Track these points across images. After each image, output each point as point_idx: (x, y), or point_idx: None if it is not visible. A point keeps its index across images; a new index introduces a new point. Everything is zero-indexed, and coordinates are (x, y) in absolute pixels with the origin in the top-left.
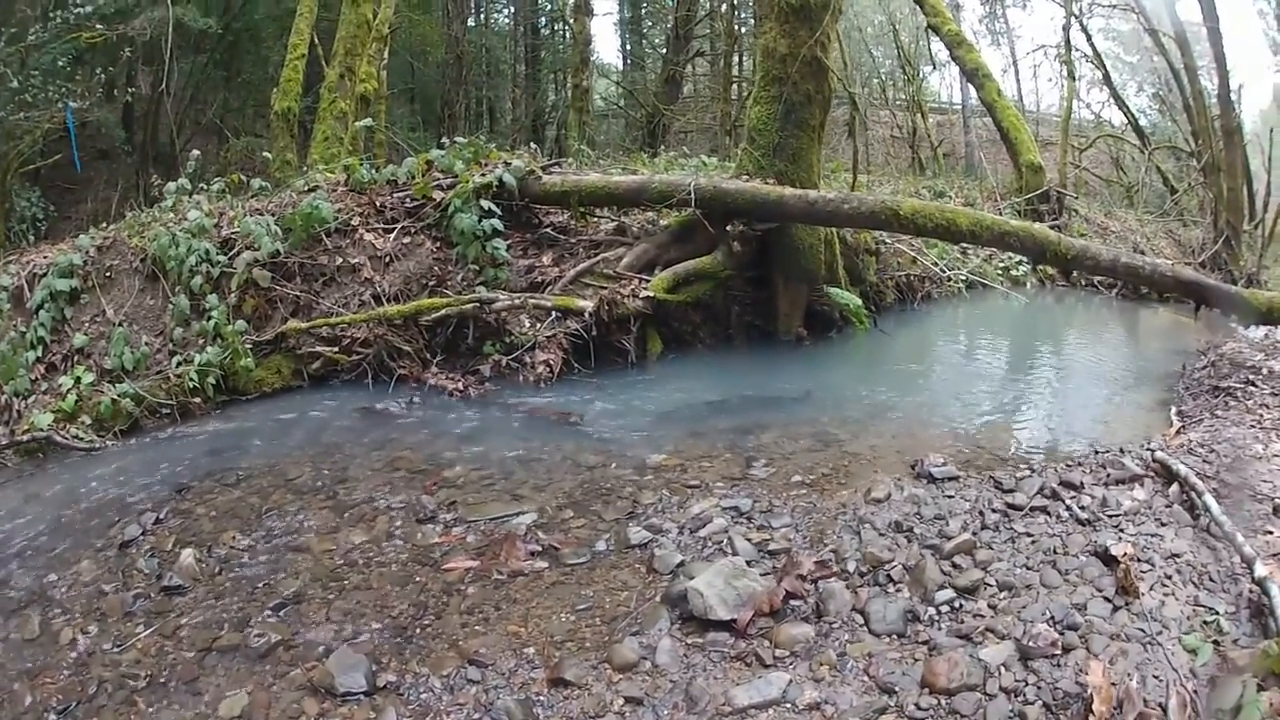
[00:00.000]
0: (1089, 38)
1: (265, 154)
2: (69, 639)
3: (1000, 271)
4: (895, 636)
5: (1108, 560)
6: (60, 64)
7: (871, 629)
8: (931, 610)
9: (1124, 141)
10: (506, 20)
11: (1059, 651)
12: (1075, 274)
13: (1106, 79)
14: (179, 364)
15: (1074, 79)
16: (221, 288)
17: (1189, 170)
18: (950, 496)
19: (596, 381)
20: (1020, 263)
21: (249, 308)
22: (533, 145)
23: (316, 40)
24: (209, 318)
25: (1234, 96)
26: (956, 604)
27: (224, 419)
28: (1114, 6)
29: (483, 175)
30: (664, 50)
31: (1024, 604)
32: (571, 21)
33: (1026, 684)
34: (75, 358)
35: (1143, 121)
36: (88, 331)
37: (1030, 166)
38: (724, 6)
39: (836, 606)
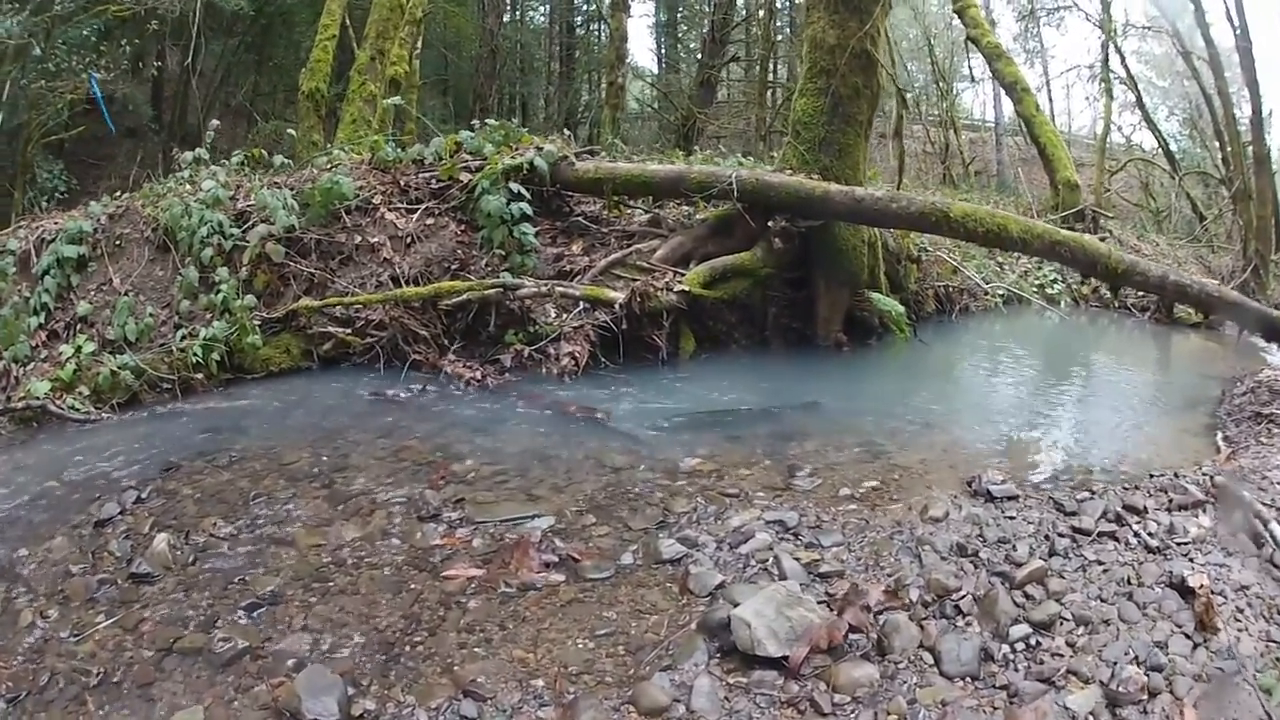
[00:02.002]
0: (1123, 59)
1: (290, 131)
2: (28, 621)
3: (1035, 289)
4: (969, 680)
5: (1184, 592)
6: (88, 36)
7: (943, 670)
8: (1006, 648)
9: (1154, 166)
10: (542, 18)
11: (1145, 696)
12: (1108, 295)
13: (1139, 102)
14: (183, 337)
15: (1111, 96)
16: (233, 261)
17: (1217, 197)
18: (1011, 518)
19: (624, 377)
20: (1055, 280)
21: (260, 283)
22: (566, 131)
23: (349, 24)
24: (218, 291)
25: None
26: (1033, 641)
27: (226, 397)
28: (1148, 29)
29: (513, 158)
30: (699, 54)
31: (1104, 642)
32: (609, 18)
33: None
34: (78, 326)
35: (1172, 147)
36: (93, 300)
37: (1067, 184)
38: (761, 11)
39: (902, 643)
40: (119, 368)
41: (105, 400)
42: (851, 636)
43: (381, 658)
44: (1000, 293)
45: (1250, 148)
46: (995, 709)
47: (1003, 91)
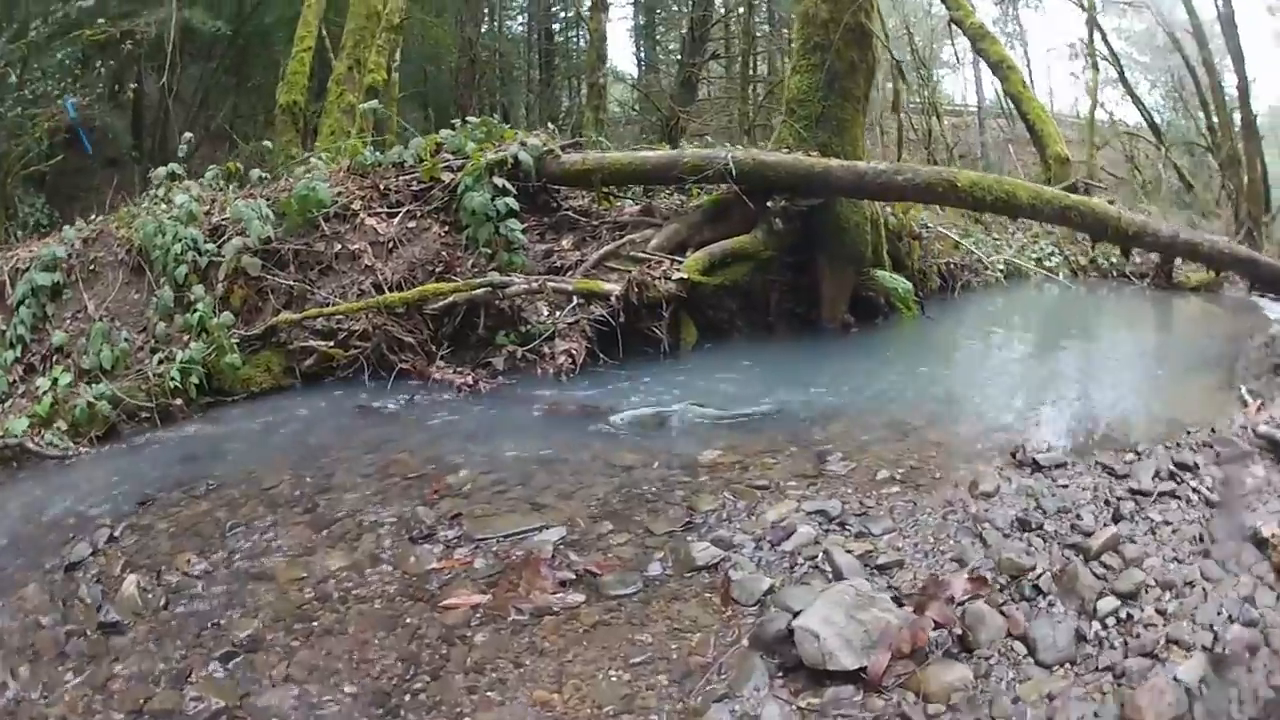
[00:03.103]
0: (1104, 36)
1: (267, 142)
2: (1, 681)
3: (1033, 261)
4: (1068, 665)
5: (1259, 544)
6: (63, 60)
7: (1039, 659)
8: (1097, 626)
9: (1139, 139)
10: (520, 26)
11: (1248, 655)
12: (1105, 265)
13: (1121, 77)
14: (160, 362)
15: (1097, 70)
16: (209, 278)
17: (1204, 166)
18: (1065, 486)
19: (625, 373)
20: (1052, 253)
21: (237, 299)
22: (550, 125)
23: (326, 36)
24: (194, 310)
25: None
26: (1123, 614)
27: (206, 421)
28: (1129, 4)
29: (496, 153)
30: (678, 55)
31: (1194, 604)
32: (588, 19)
33: (1230, 701)
34: (54, 357)
35: (1156, 119)
36: (68, 329)
37: (1058, 158)
38: (740, 8)
39: (989, 635)
40: (95, 398)
41: (83, 434)
42: (933, 635)
43: (378, 711)
44: (1001, 267)
45: (1237, 114)
46: (1105, 694)
47: (984, 75)
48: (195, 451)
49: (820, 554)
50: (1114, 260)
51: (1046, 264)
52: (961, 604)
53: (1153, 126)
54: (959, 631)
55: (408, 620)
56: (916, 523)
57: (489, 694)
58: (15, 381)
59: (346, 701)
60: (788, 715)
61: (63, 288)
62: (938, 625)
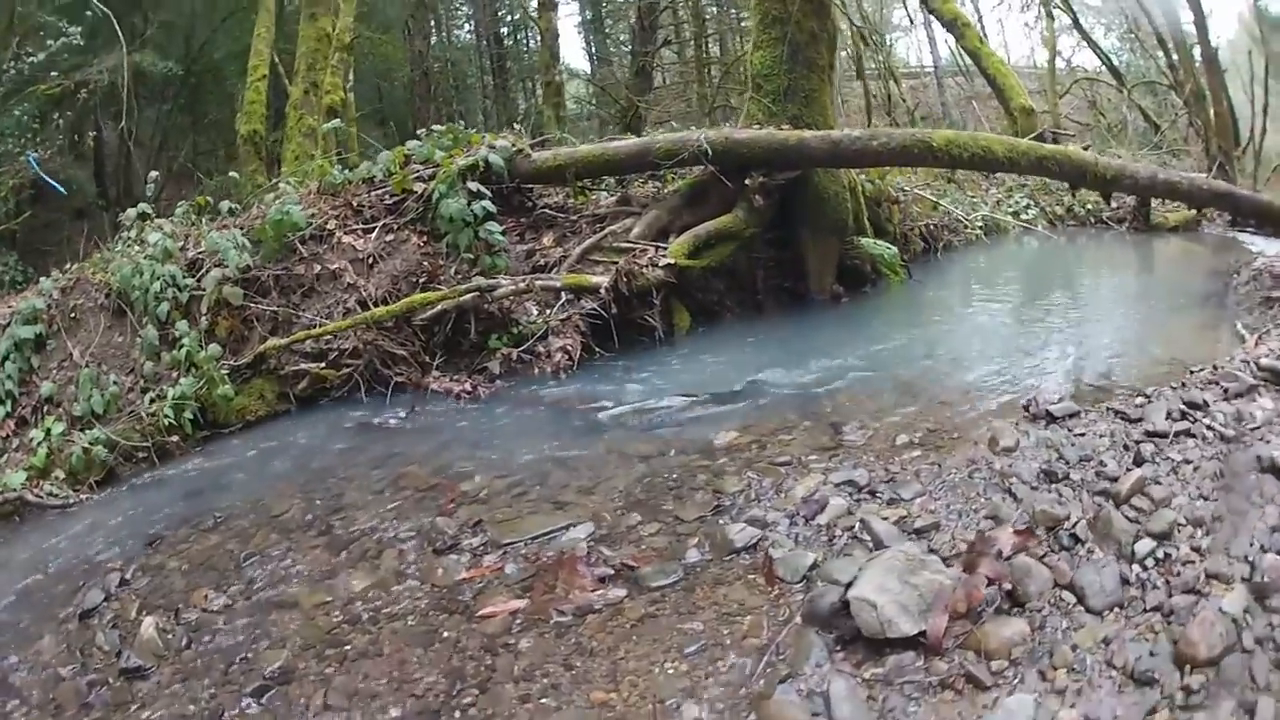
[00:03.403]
0: None
1: (233, 174)
2: None
3: (1011, 215)
4: (1118, 609)
5: (1277, 473)
6: (20, 117)
7: (1089, 606)
8: (1137, 569)
9: (1100, 83)
10: (468, 34)
11: None
12: (1082, 213)
13: (1076, 23)
14: (151, 401)
15: (1052, 18)
16: (192, 313)
17: (1168, 105)
18: (1082, 434)
19: (623, 364)
20: (1028, 206)
21: (223, 330)
22: (516, 125)
23: (278, 62)
24: (180, 346)
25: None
26: (1160, 554)
27: (205, 455)
28: None
29: (466, 158)
30: (629, 46)
31: (1226, 538)
32: (537, 20)
33: (1274, 628)
34: (45, 408)
35: (1114, 62)
36: (55, 379)
37: (1023, 110)
38: None
39: (1038, 586)
40: (90, 444)
41: (82, 480)
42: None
43: None
44: (979, 224)
45: (1197, 49)
46: (1157, 633)
47: (937, 35)
48: (198, 486)
49: (857, 523)
50: (1089, 207)
51: (1024, 217)
52: (1008, 559)
53: (1112, 70)
54: (1009, 586)
55: (445, 634)
56: (944, 483)
57: (543, 700)
58: (8, 436)
59: None
60: (854, 688)
61: (46, 339)
62: (990, 581)
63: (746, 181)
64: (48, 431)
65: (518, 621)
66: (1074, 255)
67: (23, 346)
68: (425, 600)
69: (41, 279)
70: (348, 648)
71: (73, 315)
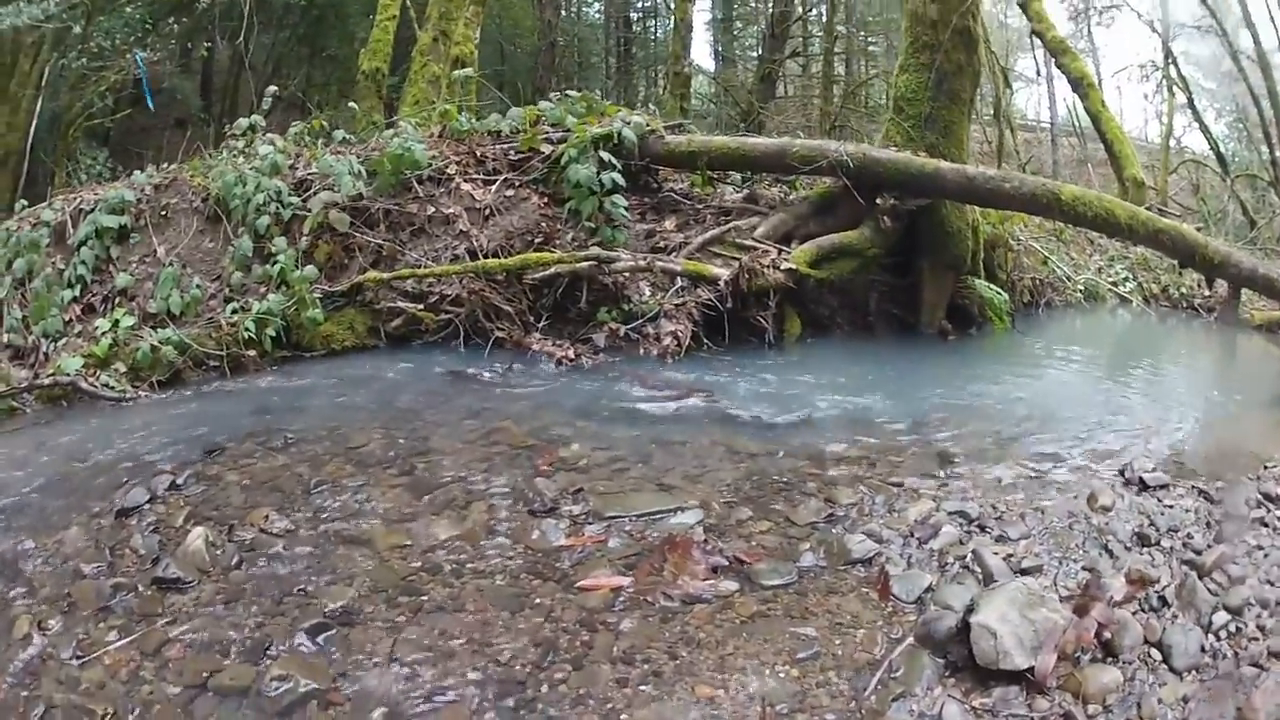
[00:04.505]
0: (1174, 60)
1: (352, 104)
2: (23, 633)
3: (1111, 284)
4: (1195, 672)
5: None
6: (133, 14)
7: (1173, 665)
8: (1211, 638)
9: (1205, 168)
10: (597, 14)
11: None
12: (1176, 295)
13: (1191, 103)
14: (234, 311)
15: (1173, 94)
16: (292, 231)
17: (1266, 202)
18: (1170, 506)
19: (730, 360)
20: (1126, 278)
21: (322, 255)
22: (651, 106)
23: (409, 5)
24: (274, 262)
25: None
26: (1232, 627)
27: (281, 375)
28: (1196, 28)
29: (600, 128)
30: (756, 51)
31: None
32: (673, 8)
33: None
34: (117, 299)
35: (1221, 149)
36: (134, 272)
37: (1134, 181)
38: (822, 6)
39: (1130, 640)
40: (160, 342)
41: (144, 378)
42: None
43: (509, 703)
44: (1081, 287)
45: None
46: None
47: (1058, 92)
48: (270, 404)
49: (969, 554)
50: (1184, 291)
51: (1122, 288)
52: (1119, 604)
53: (1219, 155)
54: (1107, 636)
55: (537, 600)
56: (1047, 530)
57: (643, 687)
58: (71, 321)
59: (469, 689)
60: (965, 715)
61: (130, 232)
62: (1100, 627)
63: (877, 201)
64: (115, 323)
65: (620, 600)
66: (1167, 335)
67: (104, 234)
68: (518, 561)
69: (136, 172)
70: (424, 598)
71: (163, 213)
